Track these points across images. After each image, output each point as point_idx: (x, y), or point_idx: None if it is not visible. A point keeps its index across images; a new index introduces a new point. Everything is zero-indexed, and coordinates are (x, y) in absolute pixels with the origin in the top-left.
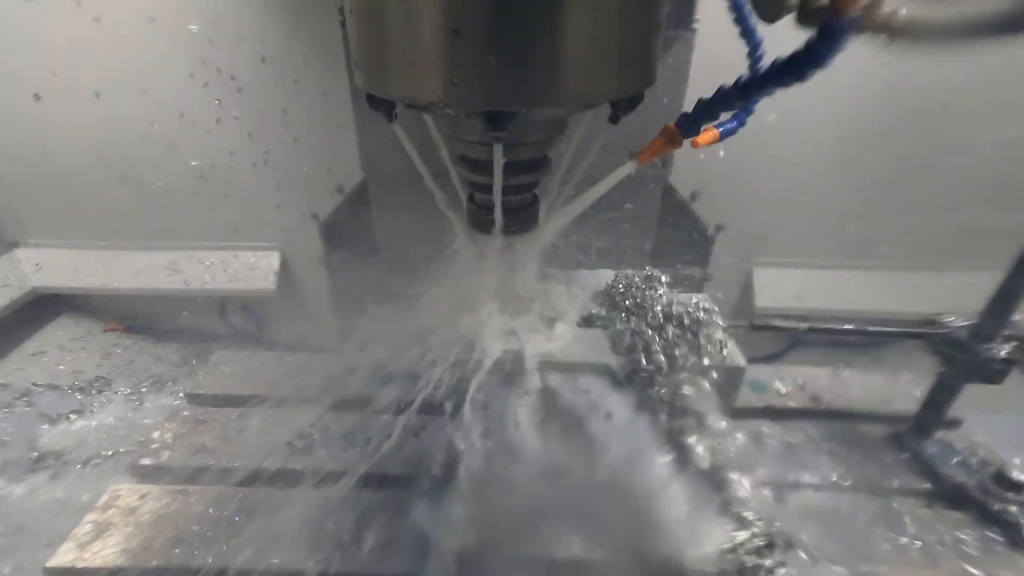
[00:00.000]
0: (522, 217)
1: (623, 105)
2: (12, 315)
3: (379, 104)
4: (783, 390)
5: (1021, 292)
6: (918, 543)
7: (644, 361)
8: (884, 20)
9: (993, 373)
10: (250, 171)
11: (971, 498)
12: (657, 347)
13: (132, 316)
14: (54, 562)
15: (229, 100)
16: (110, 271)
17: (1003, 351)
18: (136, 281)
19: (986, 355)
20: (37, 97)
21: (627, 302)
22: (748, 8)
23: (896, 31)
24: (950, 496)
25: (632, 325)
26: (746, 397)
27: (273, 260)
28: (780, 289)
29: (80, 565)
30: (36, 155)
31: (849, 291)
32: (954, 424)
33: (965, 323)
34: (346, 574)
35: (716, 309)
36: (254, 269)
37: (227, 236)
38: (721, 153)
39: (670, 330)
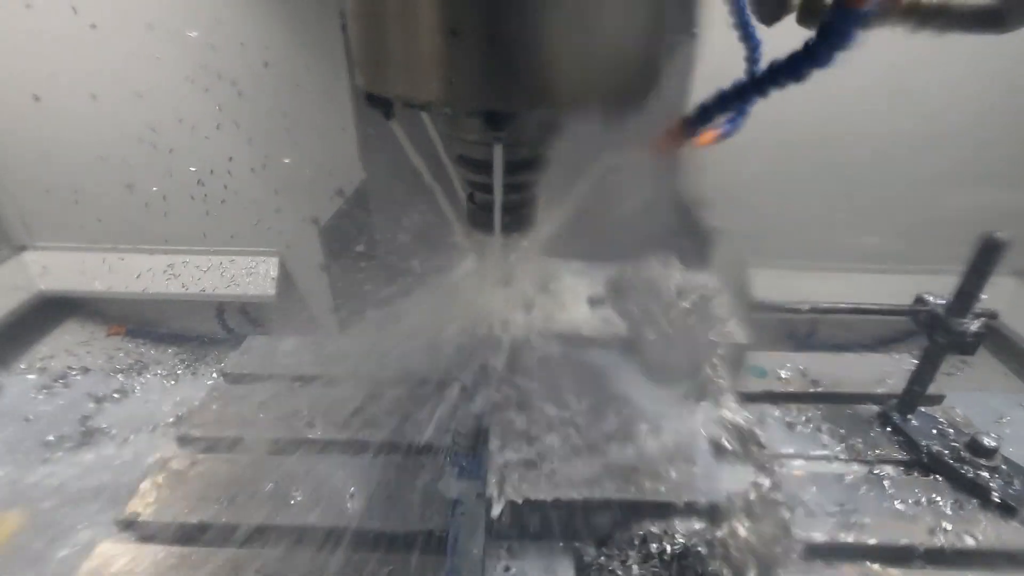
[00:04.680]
0: (520, 217)
1: (623, 104)
2: (20, 318)
3: (377, 102)
4: (783, 375)
5: (988, 273)
6: (898, 503)
7: (651, 335)
8: (910, 7)
9: (967, 345)
10: (249, 176)
11: (946, 465)
12: (664, 322)
13: (136, 319)
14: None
15: (230, 105)
16: (115, 275)
17: (974, 325)
18: (139, 285)
19: (960, 328)
20: (36, 98)
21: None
22: (748, 11)
23: (922, 19)
24: (927, 464)
25: (640, 304)
26: (748, 382)
27: (272, 265)
28: (781, 291)
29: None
30: (39, 158)
31: (852, 294)
32: (935, 400)
33: (943, 302)
34: None
35: (720, 287)
36: (252, 274)
37: (226, 241)
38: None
39: (680, 306)
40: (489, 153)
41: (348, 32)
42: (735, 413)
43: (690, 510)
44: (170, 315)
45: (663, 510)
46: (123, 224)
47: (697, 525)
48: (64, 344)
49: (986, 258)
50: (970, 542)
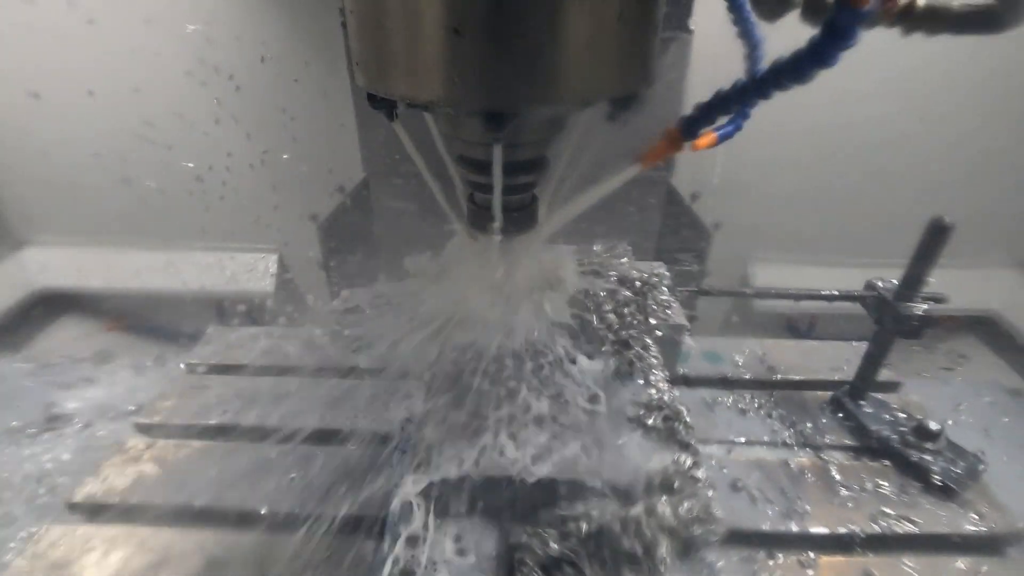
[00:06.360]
0: (521, 217)
1: (622, 104)
2: (19, 314)
3: (380, 103)
4: (740, 361)
5: (935, 256)
6: (844, 490)
7: (595, 320)
8: (902, 10)
9: (912, 328)
10: (248, 172)
11: (893, 450)
12: (608, 307)
13: (134, 315)
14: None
15: (228, 100)
16: (113, 271)
17: (920, 309)
18: (138, 281)
19: (906, 312)
20: (35, 95)
21: (584, 269)
22: (749, 8)
23: (914, 21)
24: (876, 449)
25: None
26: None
27: (271, 262)
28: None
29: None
30: (37, 154)
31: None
32: (892, 387)
33: (891, 287)
34: None
35: (667, 275)
36: (251, 270)
37: (225, 237)
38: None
39: (622, 293)
40: (489, 153)
41: (347, 31)
42: (663, 392)
43: (604, 490)
44: (169, 312)
45: (579, 490)
46: (122, 220)
47: (612, 505)
48: (61, 340)
49: (933, 242)
50: (910, 528)
